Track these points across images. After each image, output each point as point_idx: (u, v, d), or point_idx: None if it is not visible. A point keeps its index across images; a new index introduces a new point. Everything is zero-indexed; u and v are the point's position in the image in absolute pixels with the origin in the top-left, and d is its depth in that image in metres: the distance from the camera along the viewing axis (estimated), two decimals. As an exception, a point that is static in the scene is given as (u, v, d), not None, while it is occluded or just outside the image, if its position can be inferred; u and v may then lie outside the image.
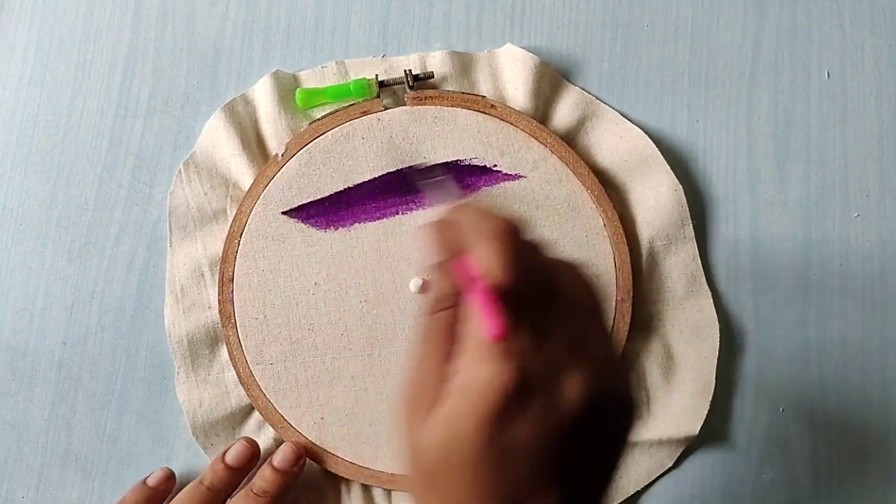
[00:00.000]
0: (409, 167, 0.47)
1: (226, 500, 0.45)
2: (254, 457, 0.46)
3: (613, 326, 0.47)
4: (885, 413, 0.48)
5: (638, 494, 0.47)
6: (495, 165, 0.48)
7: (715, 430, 0.47)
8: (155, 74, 0.51)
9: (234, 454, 0.45)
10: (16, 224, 0.50)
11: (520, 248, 0.30)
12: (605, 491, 0.31)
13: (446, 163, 0.48)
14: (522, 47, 0.50)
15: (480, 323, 0.29)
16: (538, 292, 0.30)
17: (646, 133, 0.49)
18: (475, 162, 0.47)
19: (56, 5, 0.52)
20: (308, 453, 0.47)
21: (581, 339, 0.30)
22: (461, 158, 0.48)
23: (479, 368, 0.28)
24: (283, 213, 0.47)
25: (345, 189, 0.48)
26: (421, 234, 0.33)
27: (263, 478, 0.45)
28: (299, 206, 0.47)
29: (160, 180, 0.50)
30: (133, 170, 0.50)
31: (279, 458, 0.45)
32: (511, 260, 0.29)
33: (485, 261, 0.29)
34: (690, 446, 0.47)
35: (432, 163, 0.48)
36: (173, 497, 0.45)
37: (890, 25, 0.51)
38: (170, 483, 0.46)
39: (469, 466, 0.28)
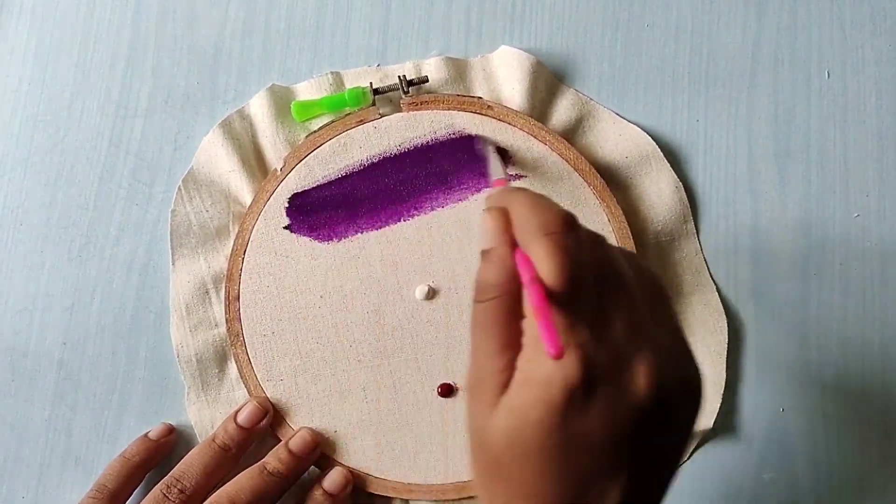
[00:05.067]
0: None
1: (237, 461, 0.45)
2: (265, 418, 0.46)
3: None
4: (885, 413, 0.48)
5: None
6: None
7: (715, 430, 0.47)
8: (155, 74, 0.51)
9: (246, 415, 0.45)
10: (16, 224, 0.50)
11: (574, 243, 0.30)
12: (667, 485, 0.31)
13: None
14: (522, 48, 0.50)
15: (539, 336, 0.28)
16: (597, 284, 0.30)
17: (646, 133, 0.49)
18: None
19: (56, 5, 0.52)
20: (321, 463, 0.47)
21: (644, 327, 0.30)
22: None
23: (543, 361, 0.28)
24: (285, 227, 0.47)
25: (344, 198, 0.47)
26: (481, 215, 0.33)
27: (279, 459, 0.45)
28: (300, 219, 0.47)
29: (160, 180, 0.50)
30: (133, 170, 0.50)
31: (294, 441, 0.46)
32: (565, 260, 0.29)
33: (540, 262, 0.29)
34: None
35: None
36: (182, 456, 0.45)
37: (890, 25, 0.51)
38: (171, 436, 0.47)
39: (534, 457, 0.28)
